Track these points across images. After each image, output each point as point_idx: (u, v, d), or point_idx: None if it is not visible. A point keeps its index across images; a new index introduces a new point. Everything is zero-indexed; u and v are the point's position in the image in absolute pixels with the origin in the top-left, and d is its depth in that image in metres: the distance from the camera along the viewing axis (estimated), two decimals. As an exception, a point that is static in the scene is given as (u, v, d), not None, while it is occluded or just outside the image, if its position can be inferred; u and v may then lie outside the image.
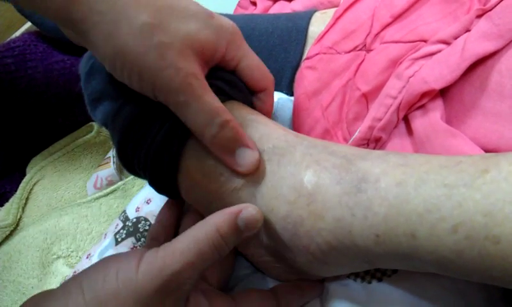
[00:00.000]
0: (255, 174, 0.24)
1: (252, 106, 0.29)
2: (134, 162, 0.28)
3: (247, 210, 0.23)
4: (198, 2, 0.26)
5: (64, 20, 0.24)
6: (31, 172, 0.41)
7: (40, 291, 0.23)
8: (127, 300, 0.21)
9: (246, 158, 0.24)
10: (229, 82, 0.27)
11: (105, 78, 0.28)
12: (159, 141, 0.26)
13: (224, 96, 0.27)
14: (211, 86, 0.26)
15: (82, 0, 0.23)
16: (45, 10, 0.23)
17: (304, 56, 0.35)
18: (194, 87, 0.24)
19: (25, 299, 0.23)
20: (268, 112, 0.30)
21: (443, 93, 0.27)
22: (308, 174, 0.23)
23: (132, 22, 0.23)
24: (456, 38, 0.27)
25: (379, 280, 0.26)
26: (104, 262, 0.23)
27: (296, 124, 0.33)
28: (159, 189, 0.28)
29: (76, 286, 0.22)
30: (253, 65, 0.28)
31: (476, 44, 0.25)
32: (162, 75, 0.23)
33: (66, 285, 0.22)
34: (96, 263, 0.23)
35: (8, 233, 0.38)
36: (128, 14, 0.23)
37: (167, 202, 0.31)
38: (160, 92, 0.24)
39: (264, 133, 0.25)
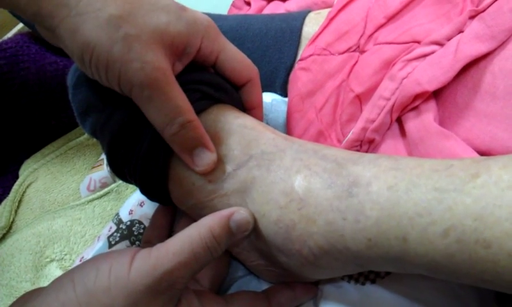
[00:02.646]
0: (244, 180, 0.24)
1: (241, 105, 0.29)
2: (125, 172, 0.27)
3: (239, 213, 0.23)
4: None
5: (34, 16, 0.23)
6: (24, 174, 0.41)
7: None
8: (117, 296, 0.21)
9: (204, 158, 0.24)
10: (214, 85, 0.27)
11: (90, 89, 0.27)
12: (144, 151, 0.25)
13: (210, 101, 0.27)
14: (196, 90, 0.26)
15: None
16: (15, 6, 0.23)
17: (298, 57, 0.35)
18: (160, 83, 0.23)
19: (18, 303, 0.22)
20: (257, 105, 0.29)
21: (437, 94, 0.27)
22: (298, 179, 0.23)
23: (99, 15, 0.22)
24: (449, 39, 0.27)
25: (373, 282, 0.26)
26: (98, 258, 0.23)
27: (289, 126, 0.33)
28: (151, 197, 0.28)
29: (68, 281, 0.22)
30: (232, 57, 0.27)
31: (469, 45, 0.25)
32: (128, 67, 0.23)
33: (58, 280, 0.22)
34: (89, 259, 0.23)
35: (0, 236, 0.38)
36: (95, 7, 0.22)
37: (160, 206, 0.31)
38: (124, 85, 0.23)
39: (253, 139, 0.25)
